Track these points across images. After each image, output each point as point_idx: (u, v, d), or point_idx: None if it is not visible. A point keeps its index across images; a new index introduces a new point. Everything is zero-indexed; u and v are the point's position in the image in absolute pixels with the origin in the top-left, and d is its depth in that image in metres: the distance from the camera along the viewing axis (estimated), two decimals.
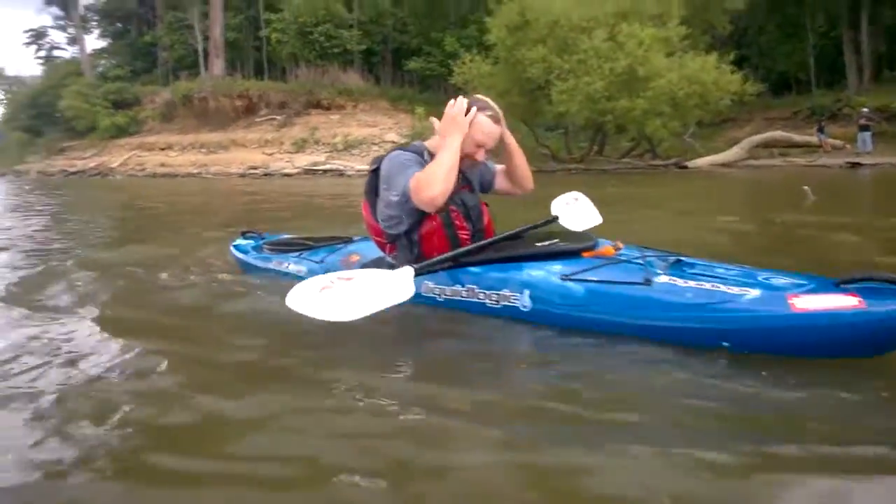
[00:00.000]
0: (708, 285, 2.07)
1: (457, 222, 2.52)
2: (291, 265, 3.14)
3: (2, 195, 16.59)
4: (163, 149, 31.69)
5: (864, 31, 25.93)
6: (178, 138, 32.05)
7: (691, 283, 2.10)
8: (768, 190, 12.03)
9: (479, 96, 2.58)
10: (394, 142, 26.33)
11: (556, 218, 2.97)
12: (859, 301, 1.80)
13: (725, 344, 1.96)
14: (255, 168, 26.70)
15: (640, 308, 2.10)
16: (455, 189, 2.45)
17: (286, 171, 25.68)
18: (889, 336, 1.80)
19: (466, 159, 2.48)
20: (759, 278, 2.10)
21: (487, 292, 2.39)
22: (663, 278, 2.15)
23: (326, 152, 26.92)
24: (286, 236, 3.69)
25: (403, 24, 32.13)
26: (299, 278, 2.63)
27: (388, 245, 2.65)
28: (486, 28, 22.93)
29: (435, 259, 2.41)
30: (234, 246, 3.68)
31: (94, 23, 46.41)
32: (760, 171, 18.55)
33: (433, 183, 2.30)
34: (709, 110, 20.39)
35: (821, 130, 21.57)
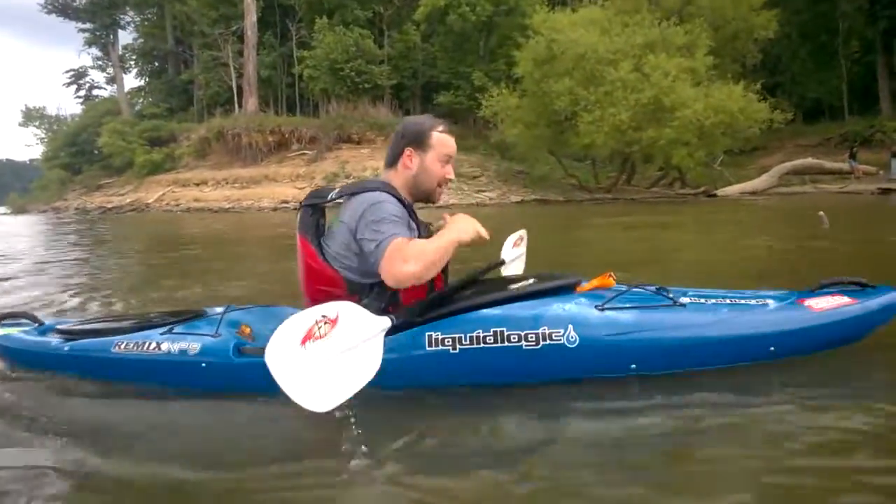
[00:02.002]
0: (728, 300, 2.17)
1: None
2: (164, 344, 2.26)
3: (43, 229, 17.24)
4: (197, 184, 32.44)
5: None
6: (213, 174, 32.81)
7: (713, 301, 2.17)
8: (789, 216, 11.91)
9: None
10: None
11: (502, 262, 2.69)
12: (849, 299, 2.13)
13: (772, 349, 2.06)
14: (286, 202, 27.21)
15: (687, 327, 2.06)
16: (420, 226, 2.20)
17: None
18: (881, 322, 2.16)
19: (439, 187, 2.25)
20: (754, 294, 2.27)
21: (523, 332, 2.03)
22: (685, 300, 2.16)
23: None
24: (75, 320, 2.82)
25: (433, 58, 32.71)
26: (185, 359, 2.20)
27: (350, 296, 2.07)
28: (513, 62, 23.33)
29: (431, 299, 2.11)
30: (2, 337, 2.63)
31: (132, 62, 48.29)
32: (790, 198, 18.33)
33: (419, 260, 1.93)
34: (737, 139, 20.34)
35: (853, 157, 21.35)
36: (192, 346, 2.23)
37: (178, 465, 1.70)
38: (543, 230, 10.77)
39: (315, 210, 2.28)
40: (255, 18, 33.19)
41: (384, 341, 1.89)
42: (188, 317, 2.48)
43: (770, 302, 2.16)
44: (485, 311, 2.09)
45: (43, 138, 49.50)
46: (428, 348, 2.05)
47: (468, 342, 2.04)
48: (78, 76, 51.64)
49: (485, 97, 24.02)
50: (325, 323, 1.73)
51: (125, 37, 48.69)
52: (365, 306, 1.99)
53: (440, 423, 1.96)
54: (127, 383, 2.29)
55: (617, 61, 19.79)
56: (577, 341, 2.02)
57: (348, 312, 1.78)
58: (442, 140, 2.22)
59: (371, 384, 1.87)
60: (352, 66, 29.87)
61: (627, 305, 2.11)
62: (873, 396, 1.95)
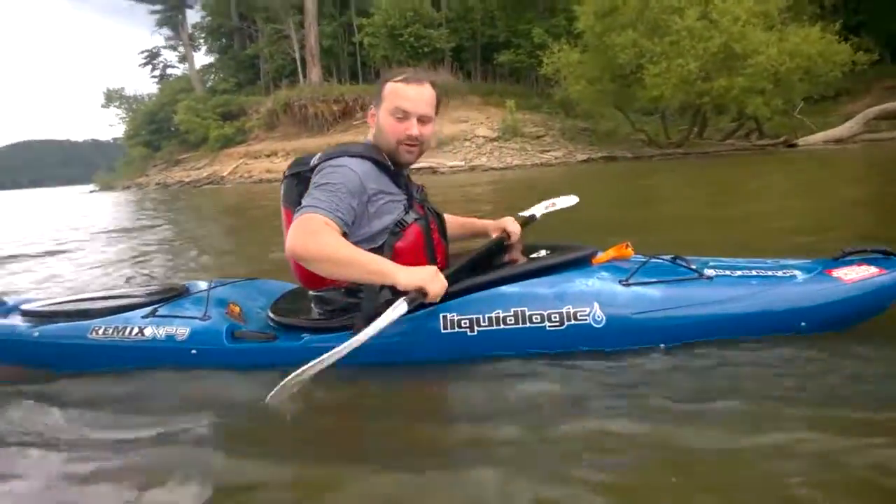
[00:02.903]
0: (754, 272, 2.03)
1: (434, 237, 2.04)
2: (148, 329, 2.05)
3: (132, 204, 18.09)
4: (268, 156, 33.27)
5: None
6: (282, 145, 33.56)
7: (739, 273, 2.02)
8: (874, 167, 11.15)
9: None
10: (485, 136, 26.43)
11: (533, 217, 2.58)
12: (877, 269, 1.97)
13: (804, 324, 1.92)
14: None
15: (717, 303, 1.93)
16: (411, 189, 2.04)
17: None
18: None
19: (403, 145, 1.96)
20: (778, 264, 2.11)
21: (546, 312, 1.89)
22: (710, 272, 2.01)
23: None
24: (43, 300, 2.42)
25: (491, 18, 32.09)
26: (173, 346, 2.02)
27: None
28: (574, 16, 22.61)
29: (460, 265, 1.95)
30: None
31: (201, 40, 49.73)
32: (879, 146, 17.14)
33: (316, 247, 1.71)
34: (816, 84, 19.14)
35: None
36: (181, 330, 2.03)
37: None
38: (607, 190, 10.55)
39: (300, 179, 2.02)
40: None
41: (396, 322, 1.78)
42: (171, 295, 2.23)
43: (798, 273, 2.00)
44: (503, 288, 1.94)
45: (124, 118, 51.65)
46: (443, 331, 1.90)
47: (486, 323, 1.89)
48: (152, 56, 53.62)
49: (545, 54, 23.41)
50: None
51: (193, 16, 50.22)
52: (349, 289, 1.94)
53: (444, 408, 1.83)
54: (103, 372, 2.06)
55: (683, 9, 18.85)
56: (604, 321, 1.89)
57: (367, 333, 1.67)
58: (394, 90, 1.93)
59: (379, 363, 1.87)
60: (410, 31, 29.72)
61: (653, 280, 1.96)
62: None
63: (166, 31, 50.06)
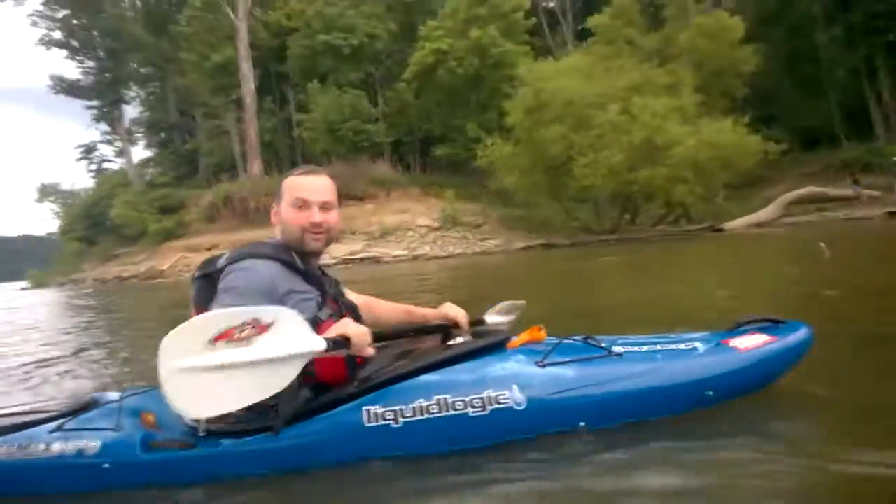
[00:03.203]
0: (658, 346, 2.11)
1: None
2: (56, 445, 1.90)
3: (63, 303, 17.31)
4: (208, 249, 32.61)
5: (883, 81, 25.70)
6: (223, 237, 33.06)
7: (646, 348, 2.10)
8: (790, 248, 11.71)
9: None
10: (427, 226, 26.76)
11: (481, 321, 2.47)
12: (768, 336, 2.09)
13: (710, 393, 1.98)
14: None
15: (628, 378, 1.97)
16: (324, 284, 2.04)
17: (324, 262, 26.19)
18: (798, 358, 2.12)
19: (309, 233, 2.00)
20: (679, 338, 2.21)
21: (468, 398, 1.88)
22: (619, 349, 2.08)
23: (364, 241, 27.47)
24: None
25: (427, 113, 33.21)
26: (84, 461, 1.87)
27: None
28: (505, 112, 23.63)
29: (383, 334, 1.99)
30: None
31: (139, 134, 49.65)
32: (797, 228, 18.06)
33: None
34: (734, 172, 20.29)
35: (855, 183, 21.15)
36: (91, 444, 1.89)
37: None
38: (550, 277, 10.78)
39: (211, 281, 2.00)
40: (252, 86, 33.95)
41: (313, 421, 1.80)
42: (79, 408, 2.09)
43: (698, 345, 2.10)
44: (423, 377, 1.93)
45: (59, 213, 50.56)
46: (367, 424, 1.85)
47: (411, 414, 1.86)
48: (88, 150, 52.91)
49: (479, 147, 24.23)
50: (252, 328, 1.61)
51: (131, 111, 50.10)
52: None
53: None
54: (8, 495, 1.91)
55: (604, 104, 19.97)
56: (525, 402, 1.90)
57: (287, 323, 1.66)
58: (292, 184, 2.03)
59: (303, 468, 1.80)
60: (349, 126, 30.38)
61: (566, 360, 2.01)
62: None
63: (103, 126, 49.74)
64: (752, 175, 22.29)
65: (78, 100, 47.08)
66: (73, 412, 2.04)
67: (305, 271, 2.00)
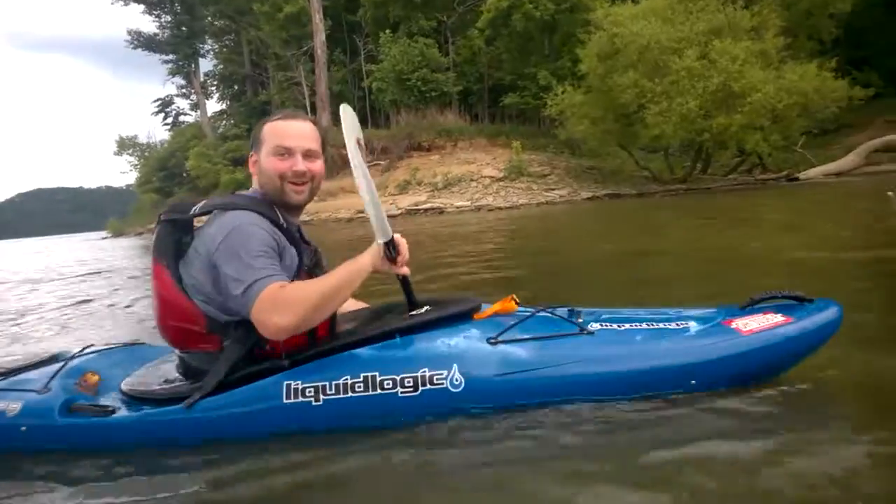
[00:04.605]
0: (644, 325, 1.91)
1: None
2: None
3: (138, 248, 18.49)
4: None
5: None
6: None
7: (627, 326, 1.90)
8: (863, 198, 11.36)
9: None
10: (491, 177, 26.92)
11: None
12: (783, 317, 1.83)
13: (693, 382, 1.78)
14: (361, 212, 27.94)
15: (592, 361, 1.79)
16: (301, 250, 1.88)
17: (390, 212, 26.81)
18: (819, 344, 1.86)
19: (289, 184, 1.87)
20: (676, 315, 1.99)
21: (399, 377, 1.73)
22: (595, 325, 1.89)
23: (428, 192, 27.89)
24: None
25: (498, 61, 32.94)
26: (3, 422, 1.83)
27: (210, 335, 1.80)
28: (578, 59, 23.27)
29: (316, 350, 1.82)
30: None
31: (213, 88, 51.19)
32: (878, 178, 17.37)
33: (298, 310, 1.63)
34: (814, 119, 19.57)
35: None
36: (13, 405, 1.83)
37: None
38: (612, 226, 10.87)
39: (176, 227, 1.93)
40: (323, 37, 34.35)
41: (232, 394, 1.73)
42: (27, 365, 2.03)
43: (692, 324, 1.89)
44: (355, 351, 1.79)
45: (136, 165, 52.64)
46: (286, 401, 1.73)
47: (333, 391, 1.73)
48: (164, 105, 54.93)
49: (550, 96, 24.04)
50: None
51: (205, 64, 51.69)
52: (226, 348, 1.78)
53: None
54: None
55: (682, 50, 19.45)
56: (462, 384, 1.74)
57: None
58: (273, 130, 1.89)
59: (221, 440, 1.75)
60: (418, 76, 30.47)
61: (526, 336, 1.84)
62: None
63: (179, 80, 51.38)
64: (834, 122, 21.43)
65: (155, 54, 48.72)
66: (15, 370, 2.01)
67: (287, 229, 1.86)
